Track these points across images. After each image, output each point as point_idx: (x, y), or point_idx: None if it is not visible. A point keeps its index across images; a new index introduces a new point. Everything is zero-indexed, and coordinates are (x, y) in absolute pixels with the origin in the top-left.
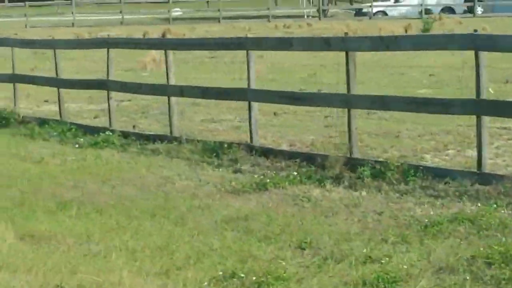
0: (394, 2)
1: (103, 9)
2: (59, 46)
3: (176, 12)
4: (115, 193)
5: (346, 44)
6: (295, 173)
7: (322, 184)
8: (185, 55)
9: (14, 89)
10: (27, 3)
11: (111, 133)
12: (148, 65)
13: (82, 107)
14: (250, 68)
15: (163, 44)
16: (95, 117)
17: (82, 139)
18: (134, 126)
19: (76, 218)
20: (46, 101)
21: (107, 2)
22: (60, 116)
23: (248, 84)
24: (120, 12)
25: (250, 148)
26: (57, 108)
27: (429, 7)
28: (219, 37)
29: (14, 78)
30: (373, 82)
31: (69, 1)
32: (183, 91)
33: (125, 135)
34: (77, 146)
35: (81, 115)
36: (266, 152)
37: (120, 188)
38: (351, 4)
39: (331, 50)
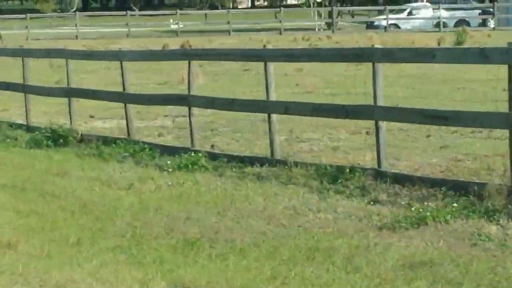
0: (407, 15)
1: (104, 21)
2: (128, 58)
3: (176, 25)
4: (244, 228)
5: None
6: (455, 205)
7: (492, 218)
8: (215, 68)
9: (70, 104)
10: (28, 15)
11: (195, 154)
12: (186, 78)
13: (120, 123)
14: (377, 82)
15: (263, 55)
16: (159, 135)
17: (168, 161)
18: (212, 146)
19: (217, 261)
20: (91, 116)
21: (98, 15)
22: (128, 135)
23: (375, 101)
24: (126, 24)
25: (379, 174)
26: (109, 125)
27: (443, 20)
28: (336, 47)
29: (71, 93)
30: (447, 98)
31: (61, 14)
32: (288, 108)
33: (213, 156)
34: (163, 169)
35: (141, 132)
36: (399, 179)
37: (245, 222)
38: (352, 17)
39: (489, 63)
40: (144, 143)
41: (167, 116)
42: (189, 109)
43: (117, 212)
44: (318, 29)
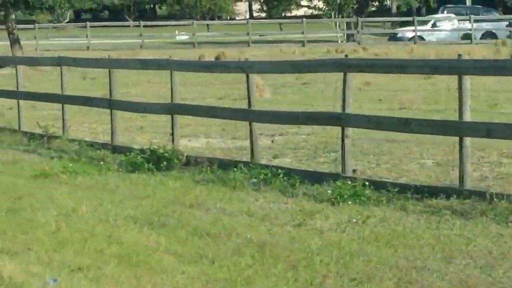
0: (432, 27)
1: (101, 32)
2: (256, 69)
3: (182, 36)
4: (507, 283)
5: None
6: None
7: None
8: (268, 81)
9: (173, 122)
10: (36, 25)
11: (351, 182)
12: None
13: (211, 143)
14: None
15: (459, 67)
16: (274, 157)
17: (329, 191)
18: (354, 171)
19: None
20: (171, 134)
21: (96, 25)
22: (252, 157)
23: None
24: (140, 35)
25: None
26: (199, 144)
27: (470, 32)
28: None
29: (176, 110)
30: None
31: (57, 24)
32: (491, 131)
33: (375, 185)
34: (322, 200)
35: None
36: None
37: (497, 273)
38: (361, 28)
39: None
40: (276, 167)
41: (261, 134)
42: (342, 129)
43: (313, 258)
44: (341, 41)
